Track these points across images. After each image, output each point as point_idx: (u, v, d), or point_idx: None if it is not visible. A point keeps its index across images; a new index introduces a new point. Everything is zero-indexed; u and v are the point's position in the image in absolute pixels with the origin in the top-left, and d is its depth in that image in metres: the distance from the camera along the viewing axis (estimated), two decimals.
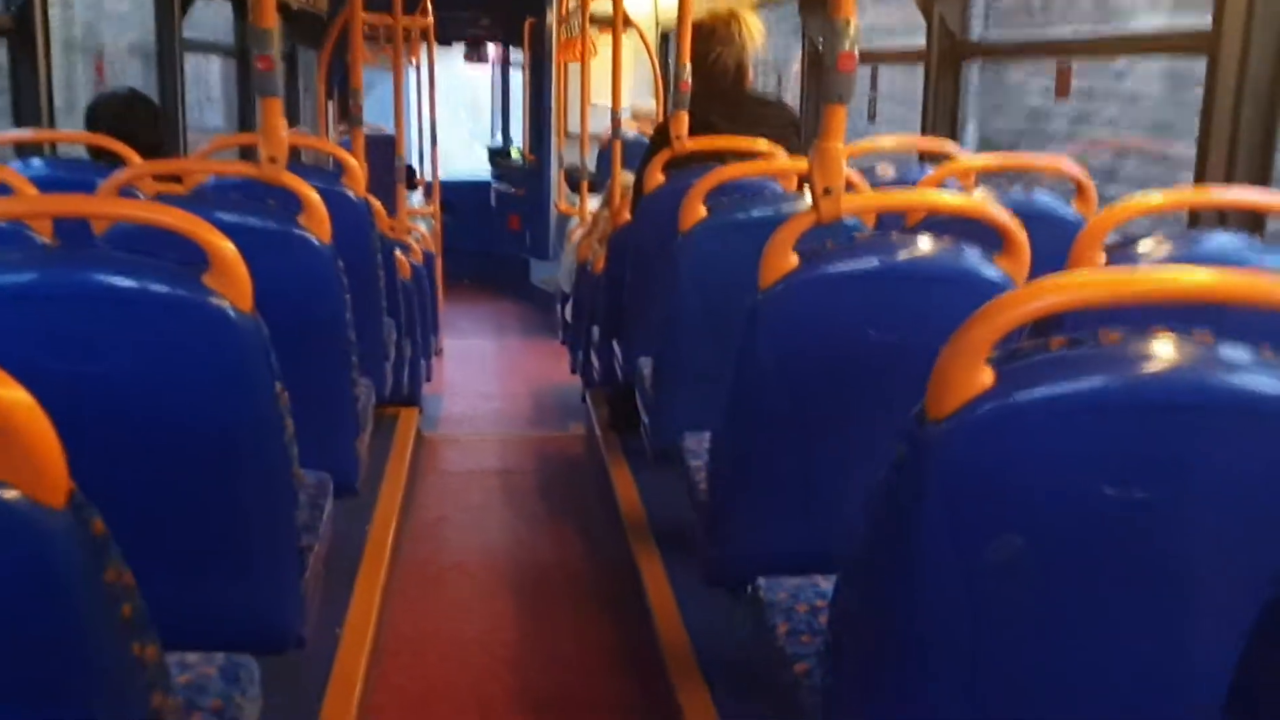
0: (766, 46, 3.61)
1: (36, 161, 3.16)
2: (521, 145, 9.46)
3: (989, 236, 1.89)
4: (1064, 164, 2.69)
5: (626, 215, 3.76)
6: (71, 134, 3.58)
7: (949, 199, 2.14)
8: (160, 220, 1.61)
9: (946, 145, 3.39)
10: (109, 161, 3.12)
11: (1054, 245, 1.94)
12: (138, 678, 1.05)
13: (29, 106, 3.46)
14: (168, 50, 4.72)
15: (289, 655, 1.89)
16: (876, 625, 1.31)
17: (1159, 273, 1.27)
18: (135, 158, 2.99)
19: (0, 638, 0.94)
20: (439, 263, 6.67)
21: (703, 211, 2.56)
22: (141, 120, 3.43)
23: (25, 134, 3.36)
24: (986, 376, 1.17)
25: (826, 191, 1.82)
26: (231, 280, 1.59)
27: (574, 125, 7.08)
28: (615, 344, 3.69)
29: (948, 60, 3.58)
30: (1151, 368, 1.17)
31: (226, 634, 1.73)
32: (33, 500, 0.90)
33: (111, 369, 1.57)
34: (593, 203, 6.22)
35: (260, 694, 1.54)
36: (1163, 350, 1.17)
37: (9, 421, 0.90)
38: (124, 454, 1.60)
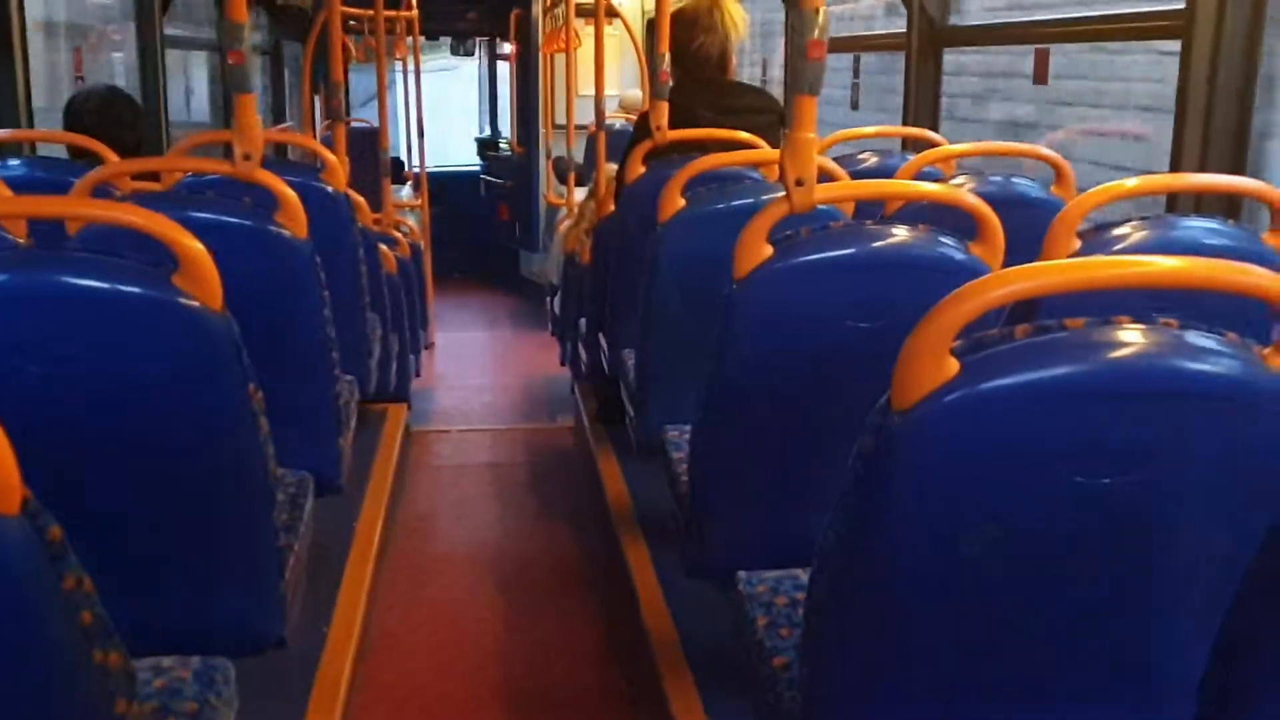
0: (754, 36, 3.59)
1: (14, 162, 3.15)
2: (509, 137, 9.43)
3: (966, 222, 1.89)
4: (1042, 150, 2.69)
5: (611, 206, 3.75)
6: (49, 133, 3.56)
7: (921, 187, 2.14)
8: (128, 220, 1.60)
9: (926, 134, 3.38)
10: (89, 160, 3.10)
11: (1032, 231, 1.93)
12: (100, 685, 1.04)
13: (6, 106, 3.44)
14: (149, 46, 4.69)
15: (272, 656, 1.88)
16: (848, 616, 1.31)
17: (1123, 260, 1.27)
18: (113, 157, 2.98)
19: None
20: (428, 256, 6.65)
21: (681, 202, 2.55)
22: (122, 118, 3.41)
23: (4, 134, 3.34)
24: (951, 366, 1.16)
25: (799, 182, 1.82)
26: (200, 279, 1.58)
27: (561, 117, 7.06)
28: (601, 336, 3.68)
29: (928, 47, 3.57)
30: (1116, 354, 1.17)
31: (204, 637, 1.73)
32: None
33: (82, 370, 1.56)
34: (580, 194, 6.20)
35: (236, 695, 1.53)
36: (1128, 337, 1.17)
37: None
38: (96, 456, 1.59)
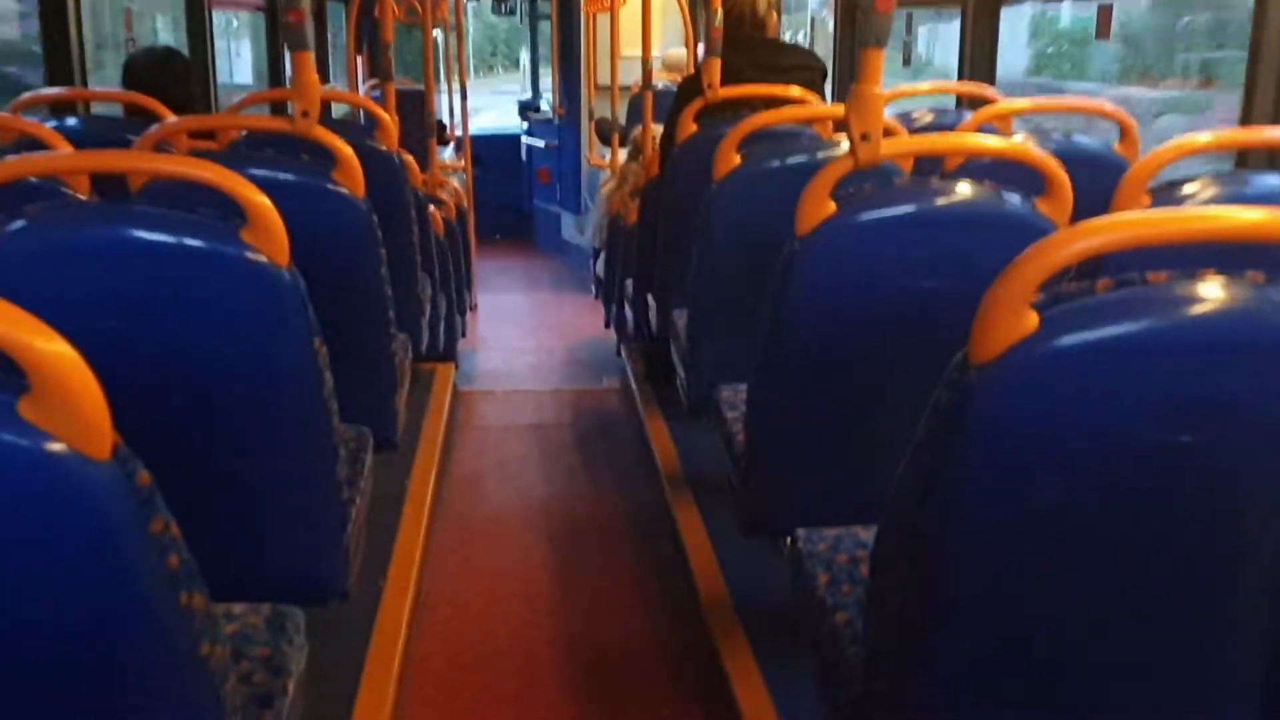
0: None
1: (71, 120, 3.17)
2: (551, 98, 9.40)
3: (1029, 181, 1.86)
4: (1105, 106, 2.64)
5: (657, 167, 3.73)
6: (105, 92, 3.59)
7: (989, 142, 2.11)
8: (198, 175, 1.61)
9: (985, 90, 3.33)
10: (144, 119, 3.13)
11: (1097, 188, 1.91)
12: (186, 627, 1.06)
13: (61, 65, 3.47)
14: (196, 5, 4.70)
15: (333, 606, 1.91)
16: (918, 573, 1.30)
17: (1207, 212, 1.24)
18: (169, 115, 3.00)
19: (50, 589, 0.95)
20: (471, 217, 6.66)
21: (737, 160, 2.53)
22: (175, 76, 3.43)
23: (60, 92, 3.37)
24: (1031, 321, 1.15)
25: (864, 137, 1.80)
26: (269, 235, 1.59)
27: (603, 77, 7.01)
28: (649, 297, 3.68)
29: (985, 3, 3.51)
30: (1200, 309, 1.15)
31: (272, 585, 1.75)
32: (78, 453, 0.91)
33: (153, 324, 1.58)
34: (622, 156, 6.17)
35: (305, 643, 1.56)
36: (1212, 291, 1.15)
37: (54, 375, 0.90)
38: (167, 409, 1.61)
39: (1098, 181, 2.00)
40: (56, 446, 0.91)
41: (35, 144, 2.46)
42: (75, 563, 0.95)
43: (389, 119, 3.01)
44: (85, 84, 3.57)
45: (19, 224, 1.53)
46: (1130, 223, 1.22)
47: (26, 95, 3.09)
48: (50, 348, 0.91)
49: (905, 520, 1.31)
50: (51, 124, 2.93)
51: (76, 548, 0.95)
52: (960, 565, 1.27)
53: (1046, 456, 1.17)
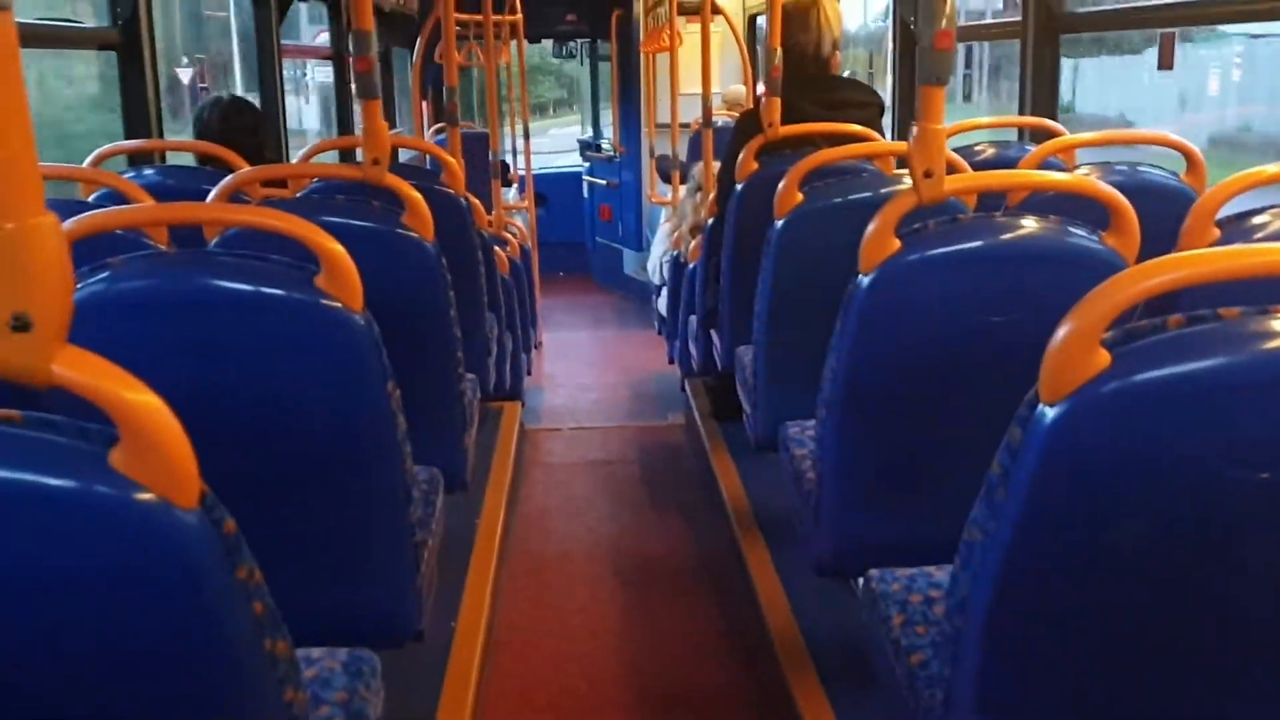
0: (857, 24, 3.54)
1: (149, 170, 3.28)
2: (611, 137, 9.50)
3: (1095, 214, 1.85)
4: (1170, 137, 2.61)
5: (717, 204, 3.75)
6: (180, 143, 3.70)
7: (1053, 177, 2.09)
8: (274, 225, 1.66)
9: (1046, 124, 3.30)
10: (218, 166, 3.22)
11: (1164, 221, 1.89)
12: (271, 673, 1.08)
13: (138, 116, 3.59)
14: (267, 56, 4.83)
15: (407, 648, 1.93)
16: (994, 614, 1.29)
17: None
18: (241, 163, 3.08)
19: (139, 637, 0.98)
20: (535, 256, 6.73)
21: (799, 197, 2.54)
22: (247, 126, 3.53)
23: (138, 144, 3.48)
24: (1102, 358, 1.14)
25: (927, 174, 1.80)
26: (343, 281, 1.62)
27: (663, 116, 7.07)
28: (713, 333, 3.69)
29: (1045, 34, 3.49)
30: (1274, 345, 1.13)
31: (349, 629, 1.78)
32: (167, 501, 0.94)
33: (232, 371, 1.62)
34: (682, 192, 6.20)
35: (382, 686, 1.58)
36: None
37: (142, 426, 0.93)
38: (246, 455, 1.65)
39: (1164, 213, 1.97)
40: (146, 496, 0.93)
41: (117, 196, 2.55)
42: (164, 610, 0.98)
43: (455, 163, 3.06)
44: (161, 135, 3.69)
45: (102, 275, 1.58)
46: (1199, 259, 1.21)
47: (106, 147, 3.20)
48: (138, 399, 0.94)
49: (979, 561, 1.30)
50: (130, 174, 3.03)
51: (166, 595, 0.97)
52: (1036, 606, 1.25)
53: (1121, 495, 1.16)
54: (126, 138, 3.60)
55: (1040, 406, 1.17)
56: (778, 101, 3.11)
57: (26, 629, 0.95)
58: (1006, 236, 1.82)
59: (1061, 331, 1.15)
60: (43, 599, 0.94)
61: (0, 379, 0.95)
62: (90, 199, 2.84)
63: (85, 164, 3.01)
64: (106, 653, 0.98)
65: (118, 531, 0.94)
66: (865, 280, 1.84)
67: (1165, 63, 3.11)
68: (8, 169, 0.90)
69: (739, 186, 3.11)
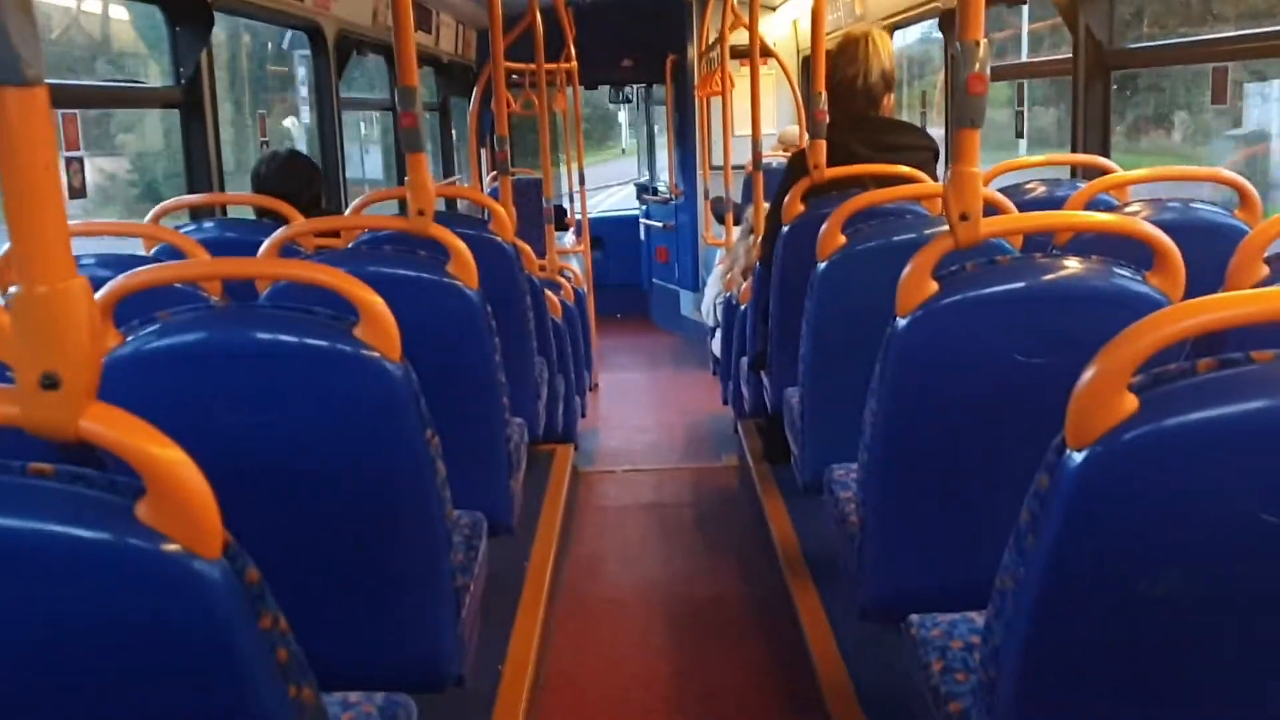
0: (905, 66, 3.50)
1: (209, 224, 3.38)
2: (667, 180, 9.57)
3: (1143, 254, 1.82)
4: (1223, 173, 2.57)
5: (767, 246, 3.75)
6: (238, 196, 3.80)
7: (1093, 217, 2.07)
8: (313, 278, 1.70)
9: (1098, 161, 3.26)
10: (274, 218, 3.31)
11: (1215, 259, 1.85)
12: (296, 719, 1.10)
13: (200, 171, 3.70)
14: (326, 110, 4.96)
15: (450, 693, 1.94)
16: (1027, 663, 1.27)
17: None
18: (296, 214, 3.16)
19: (162, 685, 1.00)
20: (591, 299, 6.78)
21: (842, 239, 2.54)
22: (301, 178, 3.63)
23: (197, 199, 3.59)
24: (1129, 403, 1.12)
25: (964, 217, 1.79)
26: (381, 331, 1.66)
27: (717, 158, 7.11)
28: (763, 374, 3.68)
29: (1096, 70, 3.45)
30: None
31: (386, 674, 1.79)
32: (190, 552, 0.96)
33: (275, 420, 1.66)
34: (736, 234, 6.22)
35: None
36: None
37: (167, 480, 0.96)
38: (287, 500, 1.68)
39: (1216, 251, 1.94)
40: (171, 547, 0.96)
41: (176, 250, 2.62)
42: (187, 657, 1.00)
43: (503, 211, 3.11)
44: (222, 189, 3.80)
45: (150, 329, 1.63)
46: (1234, 300, 1.19)
47: (169, 202, 3.30)
48: (164, 454, 0.97)
49: (1011, 609, 1.28)
50: (190, 228, 3.13)
51: (189, 643, 0.99)
52: (1067, 653, 1.23)
53: (1149, 543, 1.14)
54: (189, 192, 3.72)
55: (1067, 452, 1.15)
56: (823, 144, 3.11)
57: (51, 677, 0.98)
58: (1045, 278, 1.80)
59: (1087, 375, 1.14)
60: (68, 647, 0.97)
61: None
62: (150, 253, 2.94)
63: (147, 219, 3.11)
64: (129, 696, 1.00)
65: (144, 580, 0.97)
66: (902, 323, 1.83)
67: (1218, 98, 3.06)
68: (41, 236, 0.94)
69: (785, 229, 3.11)
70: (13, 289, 0.95)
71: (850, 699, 2.49)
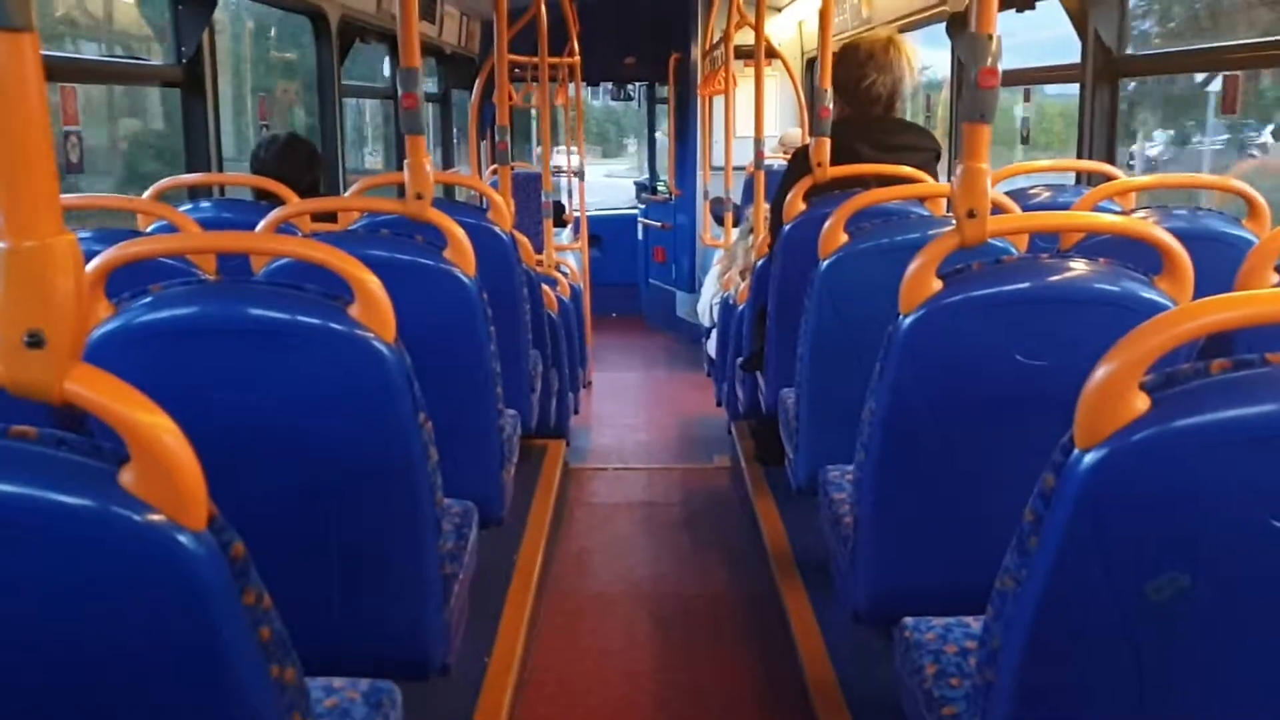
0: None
1: (205, 204, 3.34)
2: (667, 179, 9.54)
3: (1150, 260, 1.80)
4: (1232, 182, 2.55)
5: (768, 246, 3.72)
6: (236, 177, 3.77)
7: (1102, 219, 2.05)
8: (307, 255, 1.67)
9: (1104, 168, 3.24)
10: (272, 201, 3.27)
11: (1222, 267, 1.83)
12: (277, 699, 1.07)
13: (199, 151, 3.66)
14: (328, 95, 4.92)
15: (436, 682, 1.91)
16: (1026, 666, 1.24)
17: None
18: (294, 197, 3.13)
19: (142, 657, 0.97)
20: (587, 296, 6.75)
21: (844, 238, 2.51)
22: (300, 162, 3.59)
23: (195, 178, 3.56)
24: (1140, 402, 1.10)
25: (971, 214, 1.77)
26: (375, 312, 1.63)
27: (718, 158, 7.09)
28: (759, 375, 3.65)
29: (1104, 77, 3.43)
30: None
31: (371, 659, 1.76)
32: (174, 523, 0.93)
33: (265, 397, 1.63)
34: (735, 235, 6.20)
35: (403, 718, 1.56)
36: None
37: (153, 447, 0.93)
38: (276, 478, 1.66)
39: (1223, 259, 1.92)
40: (153, 516, 0.93)
41: (172, 227, 2.59)
42: (168, 629, 0.97)
43: (502, 201, 3.08)
44: (221, 169, 3.76)
45: (142, 302, 1.60)
46: (1243, 300, 1.17)
47: (165, 181, 3.26)
48: (150, 420, 0.94)
49: (1012, 612, 1.25)
50: (187, 207, 3.09)
51: (169, 615, 0.96)
52: (1070, 656, 1.20)
53: (1157, 544, 1.11)
54: (187, 171, 3.69)
55: (1075, 452, 1.13)
56: (827, 142, 3.08)
57: (27, 641, 0.95)
58: (1052, 279, 1.78)
59: (1098, 374, 1.11)
60: (45, 612, 0.94)
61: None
62: (148, 230, 2.90)
63: (145, 196, 3.07)
64: (107, 667, 0.97)
65: (124, 549, 0.94)
66: (905, 321, 1.81)
67: (1229, 107, 3.04)
68: (28, 189, 0.91)
69: (786, 227, 3.08)
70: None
71: (838, 701, 2.46)
